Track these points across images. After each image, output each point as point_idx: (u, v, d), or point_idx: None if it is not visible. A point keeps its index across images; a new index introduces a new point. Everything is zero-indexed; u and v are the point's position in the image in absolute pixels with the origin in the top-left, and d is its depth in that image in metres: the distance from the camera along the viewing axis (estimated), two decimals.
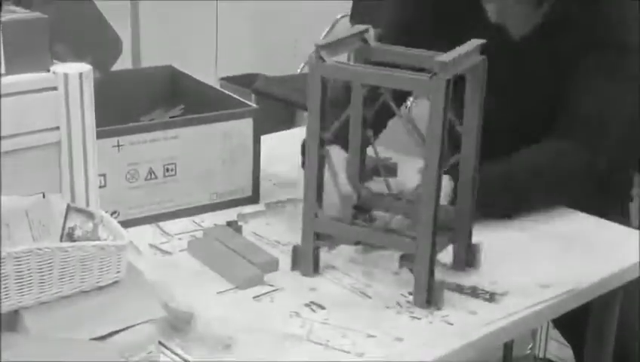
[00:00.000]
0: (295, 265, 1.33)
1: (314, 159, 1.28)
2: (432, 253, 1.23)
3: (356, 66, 1.33)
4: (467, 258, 1.34)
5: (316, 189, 1.29)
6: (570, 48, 1.57)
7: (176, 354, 1.12)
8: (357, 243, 1.34)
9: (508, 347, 2.19)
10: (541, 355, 2.57)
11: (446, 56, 1.20)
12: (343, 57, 1.33)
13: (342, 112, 1.32)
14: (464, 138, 1.31)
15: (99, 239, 1.14)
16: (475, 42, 1.28)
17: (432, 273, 1.24)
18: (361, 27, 1.38)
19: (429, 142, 1.20)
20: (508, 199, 1.49)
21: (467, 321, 1.21)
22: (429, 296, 1.24)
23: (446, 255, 1.34)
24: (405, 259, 1.27)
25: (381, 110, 1.39)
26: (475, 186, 1.32)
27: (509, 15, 1.58)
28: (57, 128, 1.19)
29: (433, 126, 1.19)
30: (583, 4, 1.56)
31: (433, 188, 1.21)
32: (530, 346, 2.57)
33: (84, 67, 1.20)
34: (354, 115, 1.38)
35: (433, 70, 1.18)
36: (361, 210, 1.38)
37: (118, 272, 1.12)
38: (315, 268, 1.32)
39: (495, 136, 1.42)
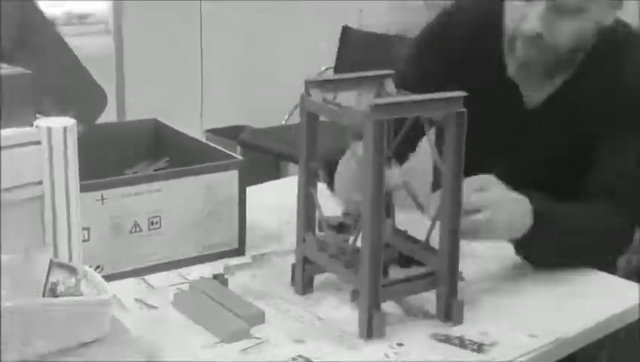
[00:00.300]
0: (292, 281, 1.43)
1: (302, 191, 1.38)
2: (373, 286, 1.26)
3: (327, 104, 1.34)
4: (446, 310, 1.33)
5: (305, 217, 1.39)
6: (590, 116, 1.58)
7: None
8: None
9: None
10: None
11: (381, 100, 1.26)
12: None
13: None
14: (443, 185, 1.31)
15: (82, 294, 1.13)
16: (454, 93, 1.28)
17: (373, 306, 1.26)
18: (380, 72, 1.42)
19: (364, 180, 1.23)
20: (553, 255, 1.50)
21: None
22: (369, 328, 1.27)
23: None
24: (355, 293, 1.32)
25: (405, 142, 1.43)
26: (457, 240, 1.31)
27: (527, 73, 1.59)
28: (40, 182, 1.19)
29: (365, 164, 1.23)
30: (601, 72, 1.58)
31: (368, 228, 1.24)
32: None
33: (68, 121, 1.20)
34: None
35: (366, 111, 1.22)
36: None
37: (102, 328, 1.11)
38: (305, 290, 1.41)
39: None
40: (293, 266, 1.43)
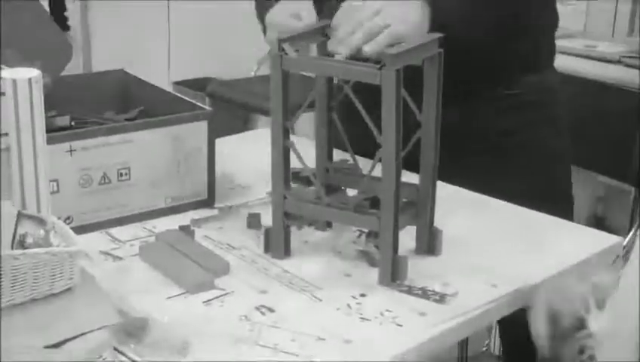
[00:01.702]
0: (267, 248, 1.39)
1: (279, 149, 1.34)
2: (395, 230, 1.29)
3: (315, 59, 1.36)
4: (428, 243, 1.39)
5: (283, 173, 1.35)
6: None
7: (131, 360, 1.12)
8: (328, 225, 1.45)
9: (463, 346, 2.22)
10: (497, 352, 2.60)
11: (395, 49, 1.26)
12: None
13: None
14: (423, 125, 1.36)
15: (51, 246, 1.14)
16: (431, 35, 1.34)
17: (395, 249, 1.30)
18: (322, 22, 1.42)
19: (385, 128, 1.26)
20: None
21: (416, 322, 1.22)
22: (393, 272, 1.30)
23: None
24: (370, 237, 1.34)
25: None
26: (436, 172, 1.38)
27: None
28: (6, 134, 1.19)
29: (387, 114, 1.25)
30: None
31: (393, 171, 1.27)
32: (486, 342, 2.60)
33: (33, 72, 1.20)
34: (319, 107, 1.43)
35: (382, 61, 1.24)
36: (331, 188, 1.44)
37: (71, 279, 1.12)
38: (286, 251, 1.38)
39: None
40: (268, 231, 1.38)
